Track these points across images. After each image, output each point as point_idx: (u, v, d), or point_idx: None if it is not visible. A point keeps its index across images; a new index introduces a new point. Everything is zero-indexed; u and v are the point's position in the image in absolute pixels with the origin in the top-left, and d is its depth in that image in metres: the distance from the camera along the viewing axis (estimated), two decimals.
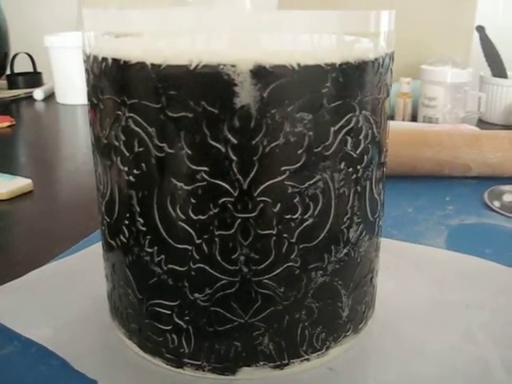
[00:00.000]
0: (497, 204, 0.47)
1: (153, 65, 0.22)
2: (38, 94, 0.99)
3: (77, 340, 0.28)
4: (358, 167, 0.25)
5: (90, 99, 0.26)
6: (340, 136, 0.23)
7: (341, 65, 0.22)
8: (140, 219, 0.24)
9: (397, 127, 0.62)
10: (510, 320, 0.30)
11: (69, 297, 0.32)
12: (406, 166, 0.54)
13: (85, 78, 0.26)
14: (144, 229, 0.24)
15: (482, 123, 0.76)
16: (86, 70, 0.26)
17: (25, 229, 0.45)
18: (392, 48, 0.26)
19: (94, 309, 0.31)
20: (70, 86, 0.93)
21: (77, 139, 0.77)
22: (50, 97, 1.00)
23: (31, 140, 0.78)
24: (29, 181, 0.53)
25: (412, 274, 0.35)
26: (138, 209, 0.24)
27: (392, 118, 0.78)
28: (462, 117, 0.72)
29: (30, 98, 1.00)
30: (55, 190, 0.57)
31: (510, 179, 0.52)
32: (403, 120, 0.76)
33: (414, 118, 0.77)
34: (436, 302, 0.32)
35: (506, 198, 0.48)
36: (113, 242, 0.27)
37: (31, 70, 1.09)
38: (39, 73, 1.09)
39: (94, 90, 0.25)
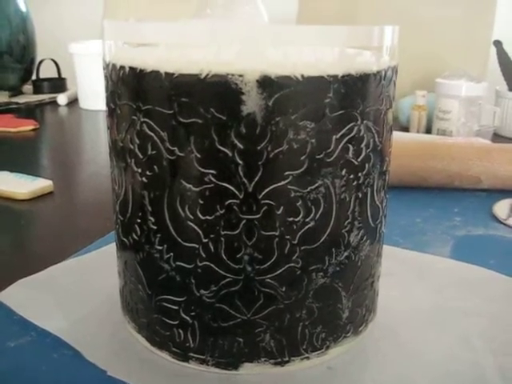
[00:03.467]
0: (504, 216, 0.47)
1: (166, 73, 0.23)
2: (62, 99, 1.02)
3: (89, 332, 0.30)
4: (359, 174, 0.26)
5: (108, 104, 0.27)
6: (342, 144, 0.24)
7: (343, 76, 0.23)
8: (151, 218, 0.26)
9: (410, 139, 0.63)
10: (507, 328, 0.31)
11: (84, 292, 0.34)
12: (417, 176, 0.55)
13: (105, 83, 0.28)
14: (155, 227, 0.26)
15: (497, 137, 0.77)
16: (105, 77, 0.27)
17: (44, 227, 0.47)
18: (395, 61, 0.27)
19: (107, 304, 0.33)
20: (93, 92, 0.96)
21: (98, 143, 0.80)
22: (73, 102, 1.03)
23: (53, 143, 0.81)
24: (49, 182, 0.55)
25: (415, 282, 0.36)
26: (150, 208, 0.26)
27: (407, 129, 0.79)
28: (475, 130, 0.73)
29: (53, 103, 1.03)
30: (75, 191, 0.59)
31: None
32: (418, 132, 0.77)
33: (428, 131, 0.77)
34: (437, 308, 0.33)
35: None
36: (125, 240, 0.28)
37: (56, 75, 1.13)
38: (63, 78, 1.12)
39: (111, 96, 0.27)
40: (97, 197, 0.54)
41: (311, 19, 0.96)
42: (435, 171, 0.54)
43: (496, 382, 0.27)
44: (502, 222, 0.47)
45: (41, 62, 1.10)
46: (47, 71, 1.12)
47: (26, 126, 0.83)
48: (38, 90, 1.08)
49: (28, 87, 1.10)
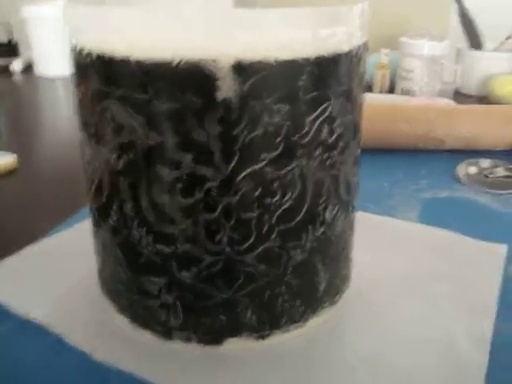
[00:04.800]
0: (467, 178, 0.49)
1: (137, 61, 0.23)
2: (17, 65, 0.98)
3: (70, 315, 0.30)
4: (333, 153, 0.26)
5: (77, 87, 0.27)
6: (316, 125, 0.25)
7: (316, 59, 0.23)
8: (128, 203, 0.26)
9: (374, 100, 0.64)
10: (474, 289, 0.33)
11: (60, 274, 0.34)
12: (381, 139, 0.55)
13: (71, 66, 0.27)
14: (132, 212, 0.26)
15: (459, 95, 0.78)
16: (73, 58, 0.26)
17: (11, 205, 0.46)
18: (365, 38, 0.27)
19: (84, 285, 0.33)
20: (49, 57, 0.93)
21: (59, 112, 0.78)
22: (27, 68, 0.99)
23: (12, 114, 0.78)
24: (13, 156, 0.53)
25: (385, 247, 0.38)
26: (127, 193, 0.26)
27: (370, 89, 0.79)
28: (438, 89, 0.74)
29: (5, 70, 0.99)
30: (40, 165, 0.57)
31: (484, 152, 0.54)
32: (381, 92, 0.78)
33: (391, 90, 0.78)
34: (407, 274, 0.35)
35: (474, 170, 0.50)
36: (102, 223, 0.28)
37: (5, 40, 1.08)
38: (15, 43, 1.07)
39: (81, 79, 0.26)
40: (64, 171, 0.53)
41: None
42: (400, 134, 0.55)
43: (464, 343, 0.28)
44: (465, 184, 0.48)
45: None
46: None
47: None
48: None
49: None
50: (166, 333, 0.28)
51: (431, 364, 0.27)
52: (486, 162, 0.51)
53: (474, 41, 0.80)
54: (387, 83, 0.78)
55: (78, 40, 0.25)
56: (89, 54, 0.24)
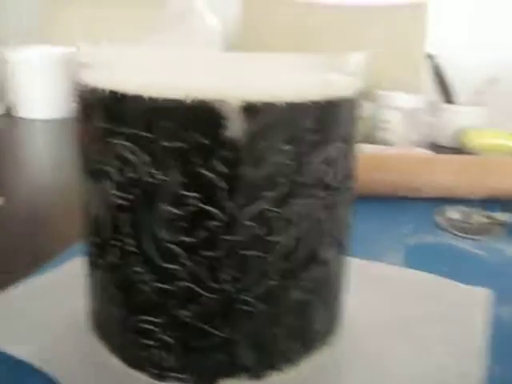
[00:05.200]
0: (447, 223, 0.50)
1: (150, 98, 0.23)
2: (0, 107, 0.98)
3: (61, 357, 0.29)
4: (333, 194, 0.27)
5: (80, 125, 0.27)
6: (318, 166, 0.26)
7: (323, 102, 0.24)
8: (130, 241, 0.26)
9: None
10: (464, 332, 0.33)
11: (48, 315, 0.33)
12: (363, 187, 0.57)
13: (76, 104, 0.27)
14: (134, 250, 0.26)
15: (434, 146, 0.81)
16: (78, 97, 0.27)
17: None
18: (363, 85, 0.28)
19: (74, 326, 0.32)
20: (31, 100, 0.93)
21: (41, 154, 0.77)
22: (8, 111, 0.99)
23: None
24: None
25: (373, 291, 0.38)
26: (129, 231, 0.26)
27: None
28: (415, 140, 0.77)
29: None
30: (23, 207, 0.57)
31: (460, 200, 0.56)
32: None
33: (369, 141, 0.80)
34: (395, 317, 0.35)
35: (455, 217, 0.51)
36: (99, 262, 0.28)
37: None
38: None
39: (85, 117, 0.27)
40: (45, 213, 0.53)
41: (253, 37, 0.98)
42: (381, 182, 0.57)
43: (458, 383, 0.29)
44: (446, 230, 0.49)
45: None
46: None
47: None
48: None
49: None
50: (161, 374, 0.28)
51: None
52: (464, 209, 0.53)
53: (446, 95, 0.84)
54: (365, 134, 0.80)
55: (87, 77, 0.26)
56: (99, 90, 0.25)
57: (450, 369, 0.30)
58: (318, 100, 0.24)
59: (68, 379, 0.28)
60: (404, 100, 0.76)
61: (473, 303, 0.37)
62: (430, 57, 0.86)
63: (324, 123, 0.25)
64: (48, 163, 0.70)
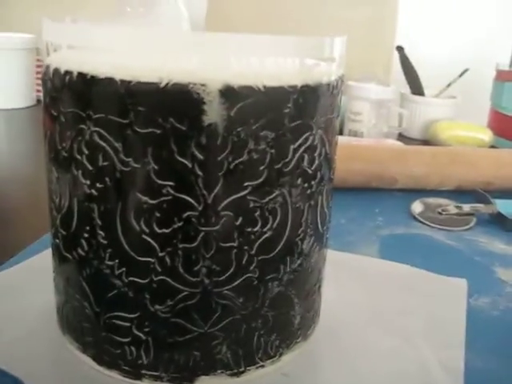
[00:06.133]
0: (421, 215, 0.50)
1: (122, 81, 0.22)
2: None
3: (28, 357, 0.28)
4: (313, 182, 0.26)
5: (48, 111, 0.26)
6: (298, 153, 0.25)
7: (302, 87, 0.23)
8: (101, 232, 0.24)
9: None
10: (439, 323, 0.33)
11: (14, 313, 0.32)
12: (337, 178, 0.56)
13: (42, 88, 0.26)
14: (105, 242, 0.25)
15: (403, 138, 0.81)
16: (45, 80, 0.25)
17: None
18: (342, 71, 0.27)
19: (42, 325, 0.31)
20: (4, 90, 0.89)
21: (2, 145, 0.74)
22: None
23: None
24: None
25: (350, 283, 0.37)
26: (100, 222, 0.24)
27: None
28: (385, 131, 0.77)
29: None
30: None
31: (432, 192, 0.56)
32: None
33: (339, 132, 0.80)
34: (373, 309, 0.34)
35: (428, 209, 0.52)
36: (68, 255, 0.27)
37: None
38: None
39: (53, 102, 0.25)
40: (11, 205, 0.50)
41: (220, 21, 0.96)
42: (354, 173, 0.56)
43: (440, 375, 0.28)
44: (420, 221, 0.49)
45: None
46: None
47: None
48: None
49: None
50: (135, 372, 0.27)
51: None
52: (437, 201, 0.53)
53: (416, 87, 0.84)
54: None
55: (54, 59, 0.24)
56: (68, 73, 0.23)
57: (432, 361, 0.29)
58: (295, 85, 0.23)
59: (34, 379, 0.26)
60: (374, 91, 0.75)
61: (449, 294, 0.36)
62: (399, 48, 0.86)
63: (303, 109, 0.24)
64: (12, 154, 0.68)
